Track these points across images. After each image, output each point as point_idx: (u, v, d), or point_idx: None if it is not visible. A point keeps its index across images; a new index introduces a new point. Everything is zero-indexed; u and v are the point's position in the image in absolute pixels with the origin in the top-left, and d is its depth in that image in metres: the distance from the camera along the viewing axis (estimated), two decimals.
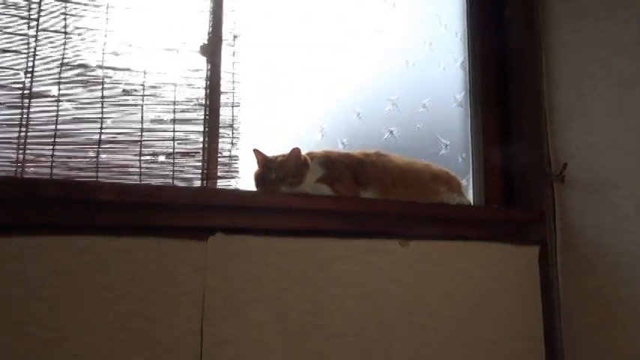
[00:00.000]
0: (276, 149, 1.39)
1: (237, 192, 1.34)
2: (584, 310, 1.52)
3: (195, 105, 1.40)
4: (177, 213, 1.21)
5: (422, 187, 1.51)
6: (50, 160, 1.23)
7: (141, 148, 1.33)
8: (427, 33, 1.82)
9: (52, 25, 1.27)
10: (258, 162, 1.36)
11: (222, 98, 1.42)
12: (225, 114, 1.42)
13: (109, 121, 1.31)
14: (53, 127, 1.24)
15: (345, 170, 1.40)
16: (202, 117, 1.40)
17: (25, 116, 1.22)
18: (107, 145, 1.29)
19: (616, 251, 1.46)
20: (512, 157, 1.79)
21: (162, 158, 1.35)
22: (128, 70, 1.34)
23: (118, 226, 1.14)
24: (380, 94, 1.70)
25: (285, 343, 1.23)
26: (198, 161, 1.38)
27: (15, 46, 1.23)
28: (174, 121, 1.37)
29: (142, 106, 1.34)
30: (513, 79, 1.83)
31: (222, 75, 1.43)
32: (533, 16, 1.74)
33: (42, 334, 1.03)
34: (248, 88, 1.48)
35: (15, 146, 1.20)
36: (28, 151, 1.21)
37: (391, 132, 1.69)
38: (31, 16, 1.25)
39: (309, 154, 1.39)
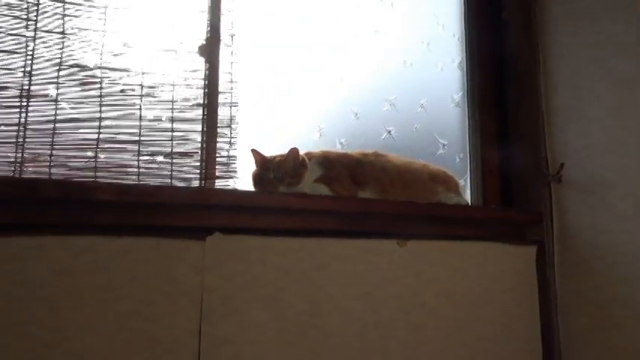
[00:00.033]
0: (274, 149, 1.39)
1: (235, 192, 1.34)
2: (582, 310, 1.52)
3: (193, 105, 1.40)
4: (176, 213, 1.21)
5: (420, 187, 1.51)
6: (48, 160, 1.23)
7: (139, 148, 1.33)
8: (425, 33, 1.83)
9: (49, 26, 1.27)
10: (256, 162, 1.36)
11: (220, 98, 1.42)
12: (223, 114, 1.42)
13: (107, 121, 1.31)
14: (51, 127, 1.24)
15: (343, 170, 1.41)
16: (200, 117, 1.40)
17: (23, 116, 1.22)
18: (106, 145, 1.29)
19: (613, 251, 1.47)
20: (509, 157, 1.79)
21: (160, 158, 1.35)
22: (126, 70, 1.34)
23: (117, 226, 1.14)
24: (378, 94, 1.70)
25: (284, 342, 1.24)
26: (197, 161, 1.38)
27: (13, 46, 1.23)
28: (172, 121, 1.37)
29: (141, 106, 1.34)
30: (511, 80, 1.83)
31: (220, 75, 1.43)
32: (530, 18, 1.75)
33: (42, 334, 1.03)
34: (246, 88, 1.48)
35: (13, 146, 1.20)
36: (26, 152, 1.21)
37: (389, 132, 1.69)
38: (30, 17, 1.25)
39: (307, 154, 1.39)
